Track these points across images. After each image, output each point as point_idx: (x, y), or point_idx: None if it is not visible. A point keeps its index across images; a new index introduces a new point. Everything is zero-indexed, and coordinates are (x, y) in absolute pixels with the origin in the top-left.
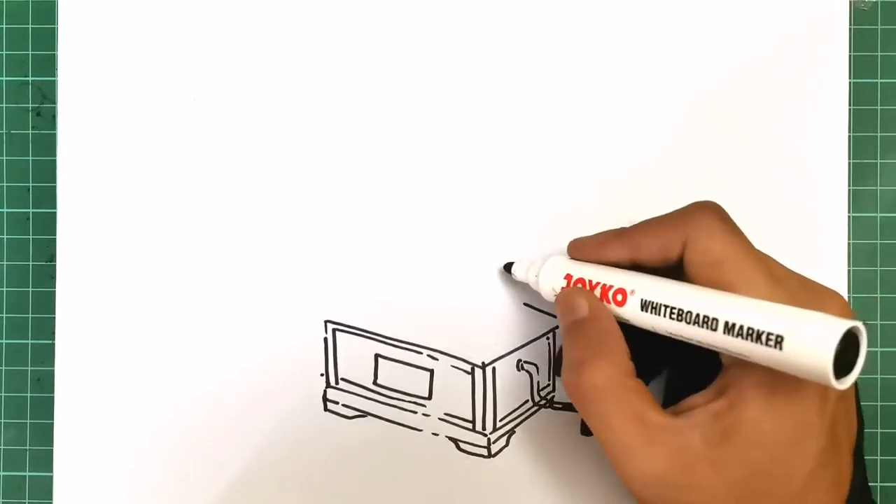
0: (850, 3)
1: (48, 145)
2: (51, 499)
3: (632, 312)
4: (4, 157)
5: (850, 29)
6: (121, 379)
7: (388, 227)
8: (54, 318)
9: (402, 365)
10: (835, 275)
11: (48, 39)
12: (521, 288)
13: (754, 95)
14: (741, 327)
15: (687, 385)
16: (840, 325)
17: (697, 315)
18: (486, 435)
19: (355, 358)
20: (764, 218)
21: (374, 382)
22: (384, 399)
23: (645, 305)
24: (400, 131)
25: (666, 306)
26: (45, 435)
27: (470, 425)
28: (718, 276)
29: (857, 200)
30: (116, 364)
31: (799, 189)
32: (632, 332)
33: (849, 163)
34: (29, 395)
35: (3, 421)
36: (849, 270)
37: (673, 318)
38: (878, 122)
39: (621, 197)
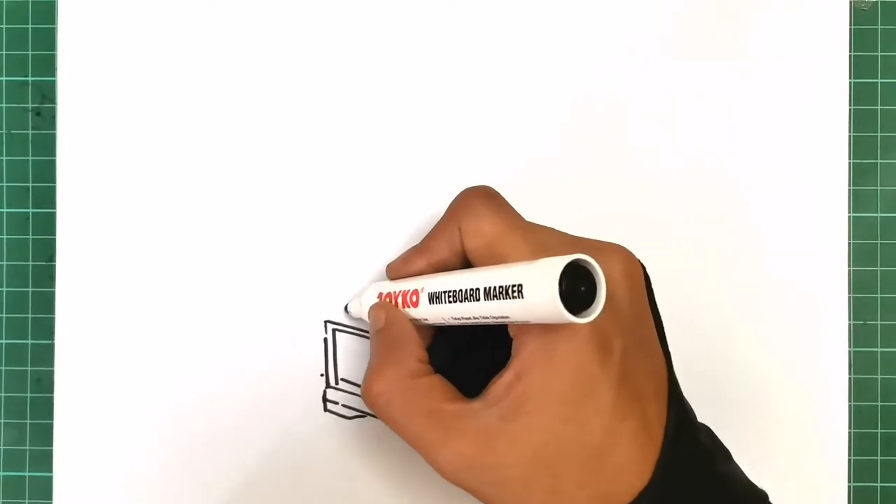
0: (850, 3)
1: (48, 145)
2: (51, 499)
3: (423, 308)
4: (4, 157)
5: (850, 29)
6: (120, 378)
7: (388, 226)
8: (54, 318)
9: None
10: (835, 275)
11: (48, 39)
12: None
13: (754, 95)
14: (494, 288)
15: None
16: (562, 260)
17: (466, 290)
18: None
19: (355, 358)
20: (764, 218)
21: None
22: None
23: (431, 298)
24: (400, 131)
25: (445, 292)
26: (44, 435)
27: None
28: (492, 254)
29: (857, 200)
30: (116, 364)
31: (799, 189)
32: (455, 334)
33: (849, 163)
34: (29, 395)
35: (3, 421)
36: (849, 270)
37: (451, 302)
38: (878, 122)
39: (621, 197)
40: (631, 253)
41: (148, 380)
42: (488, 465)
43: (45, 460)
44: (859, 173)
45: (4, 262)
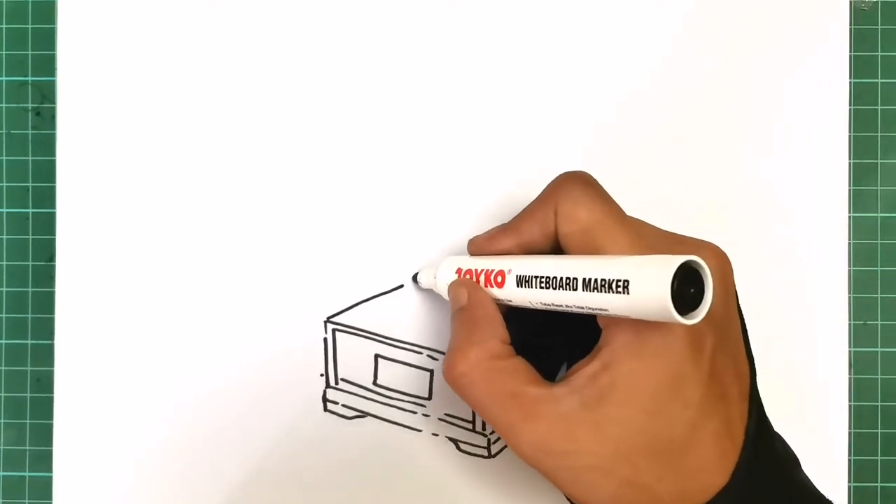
0: (850, 3)
1: (48, 145)
2: (51, 499)
3: (509, 290)
4: (4, 157)
5: (850, 29)
6: (120, 378)
7: (388, 226)
8: (54, 318)
9: (402, 365)
10: (835, 275)
11: (48, 39)
12: None
13: (754, 95)
14: (595, 280)
15: (580, 356)
16: (676, 260)
17: (561, 279)
18: (486, 435)
19: (355, 358)
20: (764, 218)
21: (374, 383)
22: (384, 399)
23: (520, 281)
24: (400, 131)
25: (536, 277)
26: (44, 435)
27: (470, 425)
28: (587, 241)
29: (857, 200)
30: (116, 364)
31: (799, 189)
32: (534, 316)
33: (849, 163)
34: (29, 395)
35: (3, 421)
36: (849, 270)
37: (542, 287)
38: (879, 122)
39: (621, 197)
40: (724, 252)
41: (148, 380)
42: (567, 452)
43: (45, 460)
44: (859, 173)
45: (4, 262)
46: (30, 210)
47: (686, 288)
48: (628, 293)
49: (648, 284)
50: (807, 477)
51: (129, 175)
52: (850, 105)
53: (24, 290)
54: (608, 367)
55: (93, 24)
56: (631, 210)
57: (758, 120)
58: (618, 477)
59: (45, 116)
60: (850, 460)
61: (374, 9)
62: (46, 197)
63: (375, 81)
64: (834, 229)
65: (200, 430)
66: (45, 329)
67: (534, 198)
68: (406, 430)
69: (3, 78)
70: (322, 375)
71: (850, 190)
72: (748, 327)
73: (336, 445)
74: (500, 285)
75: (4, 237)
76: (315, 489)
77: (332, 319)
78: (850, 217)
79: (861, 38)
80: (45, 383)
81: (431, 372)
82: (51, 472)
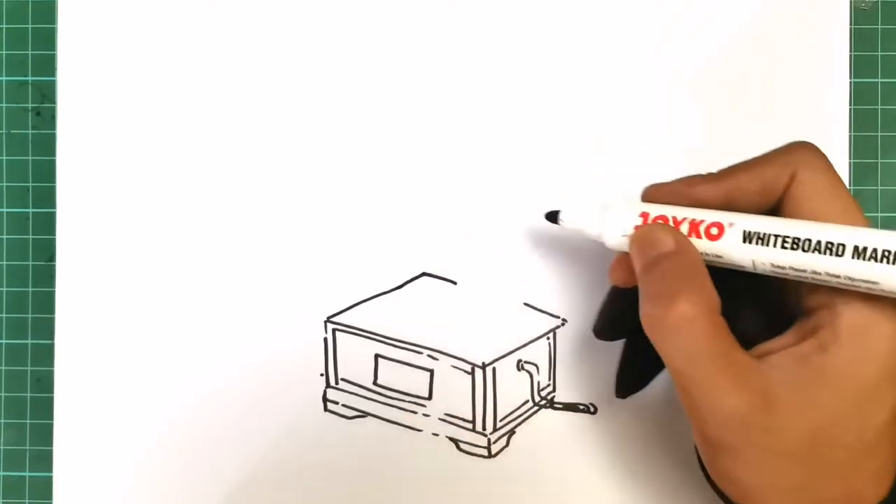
0: (850, 3)
1: (48, 145)
2: (51, 499)
3: (729, 245)
4: (4, 157)
5: (850, 29)
6: (120, 379)
7: (388, 226)
8: (54, 318)
9: (402, 365)
10: None
11: (48, 39)
12: (524, 285)
13: (754, 95)
14: (874, 250)
15: (755, 331)
16: None
17: (820, 242)
18: (486, 435)
19: (355, 358)
20: None
21: (374, 382)
22: (384, 399)
23: (748, 237)
24: (400, 130)
25: (777, 236)
26: (44, 435)
27: (470, 425)
28: (826, 211)
29: (858, 200)
30: (116, 364)
31: None
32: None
33: (849, 163)
34: (29, 395)
35: (3, 421)
36: None
37: (787, 248)
38: (879, 122)
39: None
40: None
41: (148, 380)
42: (762, 427)
43: (45, 460)
44: (860, 173)
45: (4, 262)
46: (30, 210)
47: None
48: None
49: None
50: None
51: (129, 175)
52: (850, 105)
53: (24, 290)
54: (825, 348)
55: (93, 24)
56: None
57: (758, 120)
58: (803, 466)
59: (45, 116)
60: None
61: (374, 8)
62: (46, 197)
63: (375, 81)
64: None
65: (200, 430)
66: (45, 329)
67: (535, 198)
68: (406, 430)
69: (3, 78)
70: (322, 375)
71: (850, 190)
72: None
73: (336, 445)
74: (715, 238)
75: (4, 237)
76: (315, 489)
77: (332, 319)
78: None
79: (861, 38)
80: (45, 383)
81: (431, 372)
82: (51, 472)
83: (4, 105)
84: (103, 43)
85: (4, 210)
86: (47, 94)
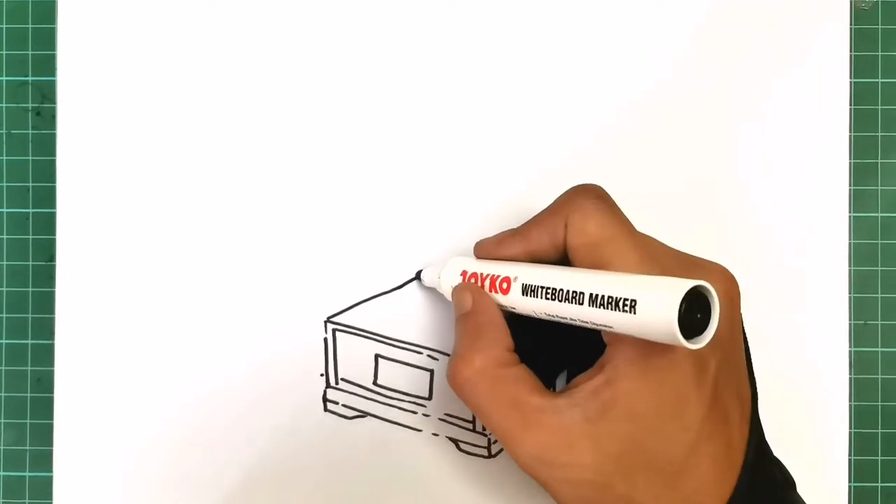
0: (851, 3)
1: (48, 145)
2: (51, 499)
3: (514, 298)
4: (4, 157)
5: (850, 29)
6: (120, 378)
7: (388, 226)
8: (54, 318)
9: (402, 365)
10: (835, 275)
11: (48, 39)
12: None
13: (755, 95)
14: (602, 297)
15: (581, 368)
16: (685, 284)
17: (567, 292)
18: (486, 435)
19: (355, 358)
20: (764, 218)
21: (374, 382)
22: (384, 399)
23: (525, 290)
24: (400, 130)
25: (542, 287)
26: (44, 435)
27: (470, 425)
28: (596, 256)
29: (857, 200)
30: (116, 364)
31: (799, 189)
32: (535, 324)
33: (849, 163)
34: (29, 395)
35: (3, 421)
36: (849, 270)
37: (548, 299)
38: (879, 122)
39: (620, 197)
40: (732, 275)
41: (148, 380)
42: (565, 464)
43: (45, 460)
44: (860, 173)
45: (4, 262)
46: (30, 210)
47: (693, 312)
48: (635, 313)
49: (656, 306)
50: (801, 499)
51: (129, 175)
52: (850, 105)
53: (24, 290)
54: (611, 382)
55: (93, 24)
56: (630, 210)
57: (758, 120)
58: (614, 493)
59: (45, 116)
60: (850, 460)
61: (375, 8)
62: (46, 197)
63: (375, 81)
64: (834, 229)
65: (200, 430)
66: (45, 329)
67: (535, 199)
68: (406, 430)
69: (3, 78)
70: (322, 375)
71: (850, 190)
72: (754, 326)
73: (336, 445)
74: (506, 292)
75: (4, 237)
76: (315, 489)
77: (332, 319)
78: (850, 217)
79: (861, 38)
80: (45, 383)
81: (431, 372)
82: (51, 472)
83: (4, 105)
84: (103, 43)
85: (4, 210)
86: (47, 94)
